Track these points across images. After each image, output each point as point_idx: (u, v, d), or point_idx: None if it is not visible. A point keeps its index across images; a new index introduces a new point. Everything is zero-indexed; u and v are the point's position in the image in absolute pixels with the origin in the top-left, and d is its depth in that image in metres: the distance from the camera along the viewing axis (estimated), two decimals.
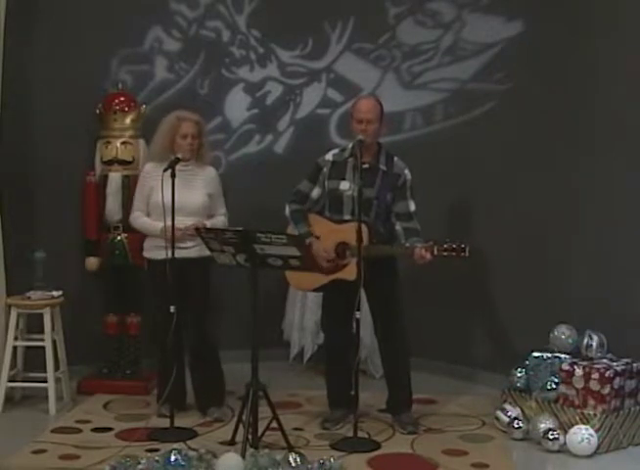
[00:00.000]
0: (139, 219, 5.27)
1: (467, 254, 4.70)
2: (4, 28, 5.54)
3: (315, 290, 5.23)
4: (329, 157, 5.11)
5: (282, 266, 4.63)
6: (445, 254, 4.73)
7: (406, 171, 5.07)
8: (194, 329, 5.23)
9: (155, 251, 5.13)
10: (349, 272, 4.85)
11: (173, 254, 4.88)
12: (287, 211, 5.13)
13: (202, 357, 5.27)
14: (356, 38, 6.56)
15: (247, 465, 4.30)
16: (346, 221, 4.95)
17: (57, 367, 5.51)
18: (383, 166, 5.03)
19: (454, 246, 4.71)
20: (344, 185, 4.99)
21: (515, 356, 5.38)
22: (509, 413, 5.10)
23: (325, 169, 5.08)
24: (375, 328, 5.28)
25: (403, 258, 4.99)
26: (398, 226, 5.02)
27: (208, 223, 5.12)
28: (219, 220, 5.26)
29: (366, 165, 4.99)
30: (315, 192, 5.11)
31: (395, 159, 5.08)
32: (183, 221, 5.01)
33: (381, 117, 5.00)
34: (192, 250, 5.06)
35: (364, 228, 4.84)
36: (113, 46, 6.17)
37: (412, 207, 5.06)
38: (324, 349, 5.49)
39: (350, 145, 5.01)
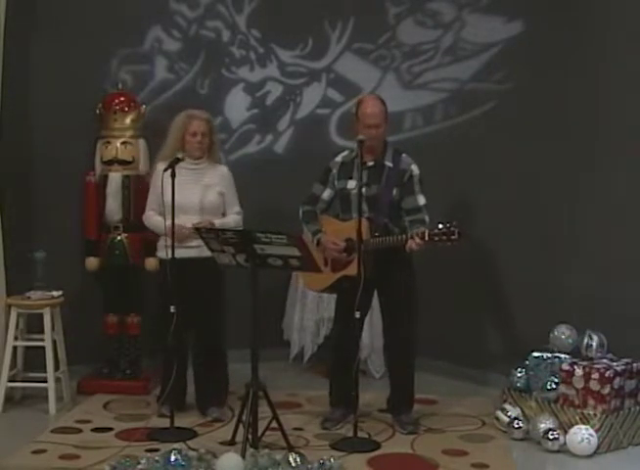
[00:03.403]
0: (151, 218, 5.27)
1: (457, 236, 4.69)
2: (4, 29, 5.54)
3: (324, 290, 5.24)
4: (339, 158, 5.16)
5: (282, 266, 4.63)
6: (436, 238, 4.73)
7: (413, 167, 5.08)
8: (204, 329, 5.23)
9: (165, 250, 5.11)
10: (354, 268, 4.84)
11: (173, 253, 4.89)
12: (300, 213, 5.18)
13: (209, 357, 5.26)
14: (356, 38, 6.56)
15: (247, 465, 4.30)
16: (352, 219, 4.95)
17: (57, 367, 5.51)
18: (389, 163, 5.05)
19: (443, 229, 4.71)
20: (351, 184, 5.02)
21: (515, 356, 5.38)
22: (509, 413, 5.10)
23: (334, 171, 5.13)
24: (383, 325, 5.29)
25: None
26: (407, 221, 5.03)
27: (217, 222, 5.12)
28: (232, 219, 5.24)
29: (371, 163, 5.01)
30: (326, 193, 5.15)
31: (403, 155, 5.10)
32: (193, 220, 5.03)
33: (386, 116, 5.04)
34: (198, 249, 5.02)
35: (365, 222, 4.85)
36: (113, 46, 6.17)
37: (421, 201, 5.06)
38: (330, 347, 5.49)
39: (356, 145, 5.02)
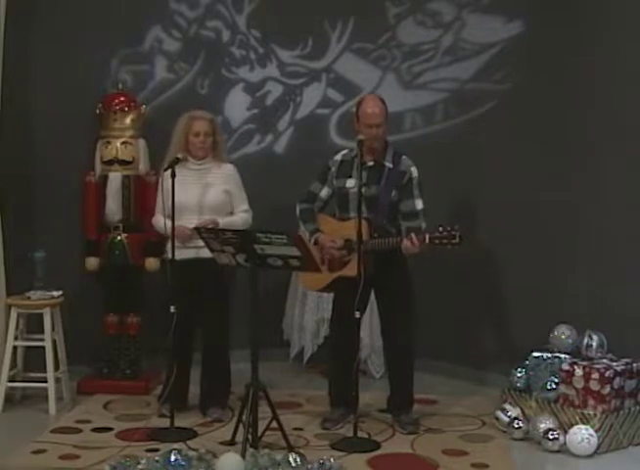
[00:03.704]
0: (159, 222, 5.24)
1: (457, 240, 4.70)
2: (4, 28, 5.54)
3: (322, 290, 5.24)
4: (338, 157, 5.16)
5: (282, 266, 4.63)
6: (437, 241, 4.74)
7: (412, 169, 5.08)
8: (209, 330, 5.24)
9: (172, 251, 5.09)
10: (352, 269, 4.84)
11: (173, 254, 4.89)
12: (297, 210, 5.17)
13: (213, 358, 5.27)
14: (356, 38, 6.56)
15: (247, 465, 4.30)
16: (350, 219, 4.96)
17: (57, 367, 5.51)
18: (389, 164, 5.04)
19: (444, 232, 4.72)
20: (350, 183, 5.02)
21: (515, 356, 5.38)
22: (509, 413, 5.10)
23: (333, 169, 5.13)
24: (381, 326, 5.29)
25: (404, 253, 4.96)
26: (403, 226, 5.02)
27: (222, 221, 5.12)
28: (239, 217, 5.25)
29: (371, 163, 5.01)
30: (324, 192, 5.14)
31: (403, 157, 5.09)
32: (195, 220, 5.03)
33: (386, 116, 5.04)
34: (196, 250, 5.03)
35: (364, 223, 4.85)
36: (113, 46, 6.17)
37: (419, 205, 5.05)
38: (328, 348, 5.49)
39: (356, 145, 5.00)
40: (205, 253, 4.85)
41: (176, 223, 4.95)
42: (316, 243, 5.04)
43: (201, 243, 4.83)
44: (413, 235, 4.79)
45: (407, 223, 5.01)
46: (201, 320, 5.26)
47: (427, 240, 4.77)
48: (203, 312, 5.23)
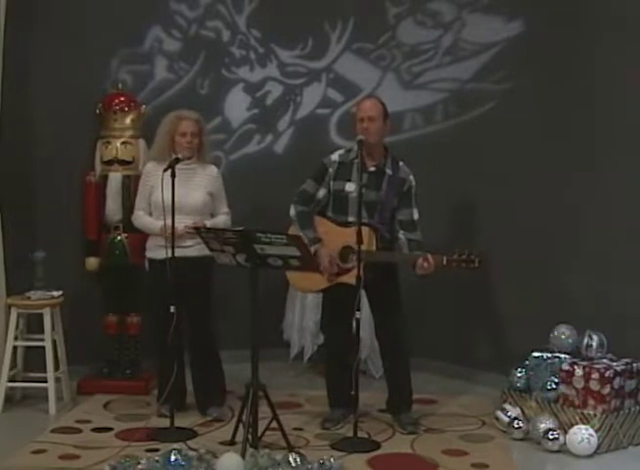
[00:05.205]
0: (141, 218, 5.28)
1: (477, 264, 4.71)
2: (4, 28, 5.54)
3: (316, 291, 5.23)
4: (335, 157, 5.08)
5: (282, 266, 4.63)
6: (455, 264, 4.73)
7: (411, 177, 5.05)
8: (194, 329, 5.23)
9: (155, 250, 5.14)
10: (353, 276, 4.79)
11: (173, 253, 4.88)
12: (292, 212, 5.09)
13: (201, 357, 5.27)
14: (356, 38, 6.57)
15: (247, 465, 4.30)
16: (351, 223, 4.90)
17: (57, 367, 5.51)
18: (389, 170, 5.01)
19: (464, 257, 4.72)
20: (350, 186, 4.97)
21: (515, 356, 5.38)
22: (509, 413, 5.10)
23: (331, 170, 5.06)
24: (376, 330, 5.28)
25: (405, 266, 4.96)
26: (402, 236, 4.99)
27: (209, 223, 5.13)
28: (221, 219, 5.26)
29: (373, 168, 4.99)
30: (321, 192, 5.07)
31: (401, 163, 5.06)
32: (183, 220, 5.02)
33: (383, 115, 5.00)
34: (191, 249, 5.06)
35: (371, 232, 4.84)
36: (113, 46, 6.17)
37: (416, 215, 5.03)
38: (324, 348, 5.50)
39: (355, 146, 4.96)
40: (184, 252, 4.94)
41: (161, 223, 4.97)
42: (315, 254, 4.94)
43: (183, 243, 4.94)
44: (429, 255, 4.76)
45: (407, 235, 4.97)
46: (184, 320, 5.21)
47: (444, 262, 4.76)
48: (185, 312, 5.17)
